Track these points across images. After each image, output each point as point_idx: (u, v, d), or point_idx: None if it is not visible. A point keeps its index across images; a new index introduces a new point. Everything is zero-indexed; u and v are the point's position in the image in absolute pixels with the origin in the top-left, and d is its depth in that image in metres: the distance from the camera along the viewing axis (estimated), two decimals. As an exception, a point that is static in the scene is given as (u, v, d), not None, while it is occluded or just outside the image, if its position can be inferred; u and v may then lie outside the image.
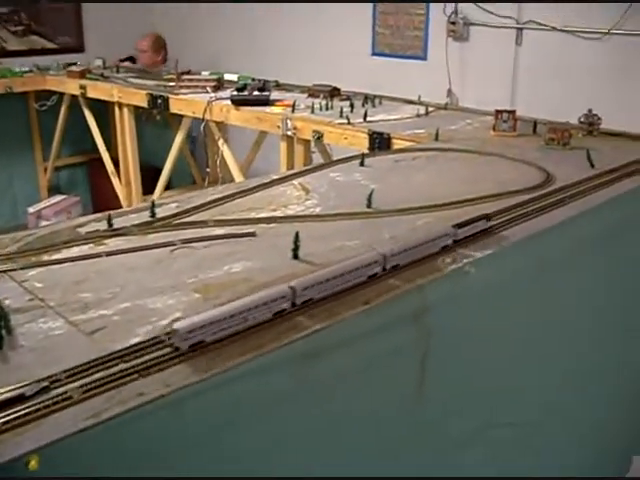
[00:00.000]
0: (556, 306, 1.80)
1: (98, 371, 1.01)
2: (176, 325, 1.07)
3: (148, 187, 4.43)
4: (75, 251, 1.46)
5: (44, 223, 4.78)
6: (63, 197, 5.14)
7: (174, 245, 1.48)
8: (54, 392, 0.95)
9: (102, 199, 5.29)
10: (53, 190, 5.44)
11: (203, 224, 1.60)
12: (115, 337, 1.10)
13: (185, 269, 1.36)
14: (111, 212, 1.64)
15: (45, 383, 0.96)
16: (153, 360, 1.04)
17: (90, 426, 0.90)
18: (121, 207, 4.45)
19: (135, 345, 1.07)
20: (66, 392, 0.95)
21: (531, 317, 1.70)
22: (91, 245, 1.49)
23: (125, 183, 4.44)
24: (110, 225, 1.58)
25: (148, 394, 0.95)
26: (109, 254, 1.44)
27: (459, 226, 1.49)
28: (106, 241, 1.51)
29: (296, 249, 1.39)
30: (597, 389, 2.15)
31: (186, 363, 1.04)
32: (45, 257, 1.42)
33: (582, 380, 2.05)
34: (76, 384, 0.97)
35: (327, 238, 1.51)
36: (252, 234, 1.53)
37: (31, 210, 4.89)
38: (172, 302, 1.22)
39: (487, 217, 1.59)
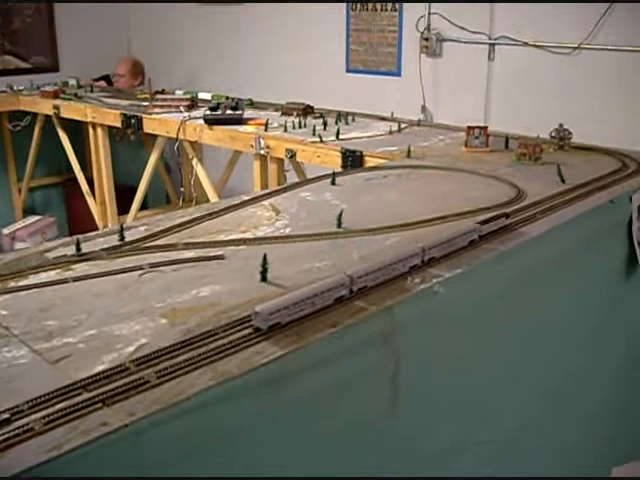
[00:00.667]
0: (529, 322, 1.80)
1: (61, 401, 0.99)
2: (257, 308, 1.17)
3: (124, 206, 4.41)
4: (42, 277, 1.44)
5: (19, 244, 4.75)
6: (38, 218, 5.11)
7: (142, 269, 1.47)
8: (15, 424, 0.93)
9: (78, 219, 5.27)
10: (28, 211, 5.40)
11: (172, 247, 1.59)
12: (80, 365, 1.09)
13: (153, 294, 1.35)
14: (79, 236, 1.63)
15: (6, 415, 0.95)
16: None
17: (52, 458, 0.88)
18: (97, 227, 4.43)
19: (100, 373, 1.05)
20: (28, 424, 0.93)
21: (504, 334, 1.70)
22: (58, 270, 1.47)
23: (100, 203, 4.41)
24: (78, 250, 1.56)
25: (111, 424, 0.94)
26: (76, 280, 1.42)
27: (482, 223, 1.64)
28: (74, 266, 1.50)
29: (264, 272, 1.38)
30: (575, 402, 2.15)
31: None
32: (12, 283, 1.40)
33: (560, 394, 2.05)
34: (38, 415, 0.96)
35: (296, 259, 1.51)
36: (221, 257, 1.52)
37: (5, 231, 4.85)
38: (138, 328, 1.21)
39: (506, 215, 1.72)
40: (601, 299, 2.18)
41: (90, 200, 4.52)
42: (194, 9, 6.05)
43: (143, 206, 4.47)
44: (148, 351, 1.12)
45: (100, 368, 1.07)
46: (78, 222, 5.24)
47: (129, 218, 4.25)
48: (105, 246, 1.60)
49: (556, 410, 2.05)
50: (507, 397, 1.78)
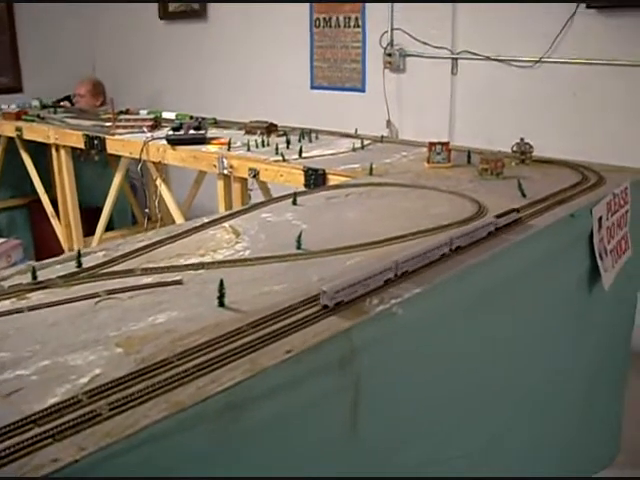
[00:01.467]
0: (493, 337, 1.80)
1: (11, 437, 0.97)
2: (324, 287, 1.34)
3: (89, 228, 4.38)
4: (-3, 306, 1.42)
5: (-17, 268, 4.68)
6: (3, 240, 5.02)
7: (99, 296, 1.45)
8: (-38, 463, 0.92)
9: (43, 241, 5.21)
10: (-8, 234, 5.33)
11: (130, 273, 1.57)
12: (32, 398, 1.07)
13: (109, 322, 1.33)
14: (35, 264, 1.60)
15: (-47, 454, 0.93)
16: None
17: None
18: (62, 249, 4.39)
19: (51, 407, 1.03)
20: (-25, 462, 0.91)
21: (468, 350, 1.70)
22: (14, 299, 1.45)
23: (65, 225, 4.38)
24: (34, 277, 1.54)
25: (62, 459, 0.92)
26: (31, 309, 1.40)
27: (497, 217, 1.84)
28: (30, 294, 1.47)
29: (221, 297, 1.37)
30: (544, 412, 2.16)
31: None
32: (-34, 314, 1.38)
33: (528, 405, 2.05)
34: (-13, 452, 0.94)
35: (255, 283, 1.50)
36: (179, 282, 1.51)
37: (-31, 255, 4.78)
38: (93, 358, 1.19)
39: (517, 210, 1.91)
40: (565, 310, 2.20)
41: (55, 222, 4.48)
42: (159, 28, 6.05)
43: (109, 227, 4.45)
44: (102, 382, 1.10)
45: (52, 401, 1.05)
46: (44, 244, 5.18)
47: (94, 240, 4.23)
48: (62, 273, 1.57)
49: (525, 421, 2.06)
50: (474, 411, 1.78)
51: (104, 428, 0.99)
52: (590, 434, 2.57)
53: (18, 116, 4.48)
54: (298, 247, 1.69)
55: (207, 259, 1.65)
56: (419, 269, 1.56)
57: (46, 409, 1.03)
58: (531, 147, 2.77)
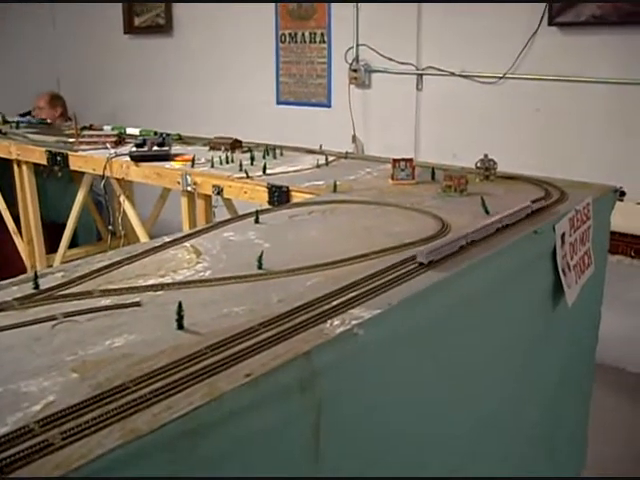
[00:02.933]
0: (456, 356, 1.80)
1: (-43, 469, 0.94)
2: (420, 249, 1.71)
3: (53, 245, 4.32)
4: (-50, 331, 1.38)
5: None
6: (-36, 257, 4.96)
7: (56, 319, 1.42)
8: None
9: (5, 258, 5.12)
10: (-47, 250, 5.24)
11: (88, 295, 1.54)
12: (-19, 428, 1.04)
13: (65, 346, 1.31)
14: (-10, 286, 1.57)
15: None
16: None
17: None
18: (25, 266, 4.32)
19: (1, 437, 1.00)
20: None
21: (430, 370, 1.69)
22: (-33, 323, 1.42)
23: (27, 242, 4.31)
24: (-11, 300, 1.51)
25: (11, 492, 0.90)
26: (-15, 333, 1.37)
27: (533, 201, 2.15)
28: (-17, 318, 1.44)
29: (180, 319, 1.35)
30: (510, 429, 2.16)
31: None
32: None
33: (494, 423, 2.05)
34: None
35: (215, 304, 1.48)
36: (137, 304, 1.48)
37: None
38: (47, 384, 1.16)
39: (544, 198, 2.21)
40: (529, 326, 2.20)
41: (17, 239, 4.42)
42: (124, 43, 6.02)
43: (73, 243, 4.40)
44: (55, 409, 1.07)
45: (3, 430, 1.03)
46: (6, 261, 5.09)
47: (57, 257, 4.17)
48: (18, 295, 1.54)
49: (490, 439, 2.06)
50: (439, 431, 1.77)
51: (56, 458, 0.97)
52: (556, 450, 2.58)
53: (-20, 131, 4.42)
54: (259, 267, 1.67)
55: (167, 280, 1.63)
56: (381, 287, 1.55)
57: (-5, 439, 1.00)
58: (495, 163, 2.78)
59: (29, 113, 5.64)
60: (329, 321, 1.38)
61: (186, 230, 3.02)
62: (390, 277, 1.62)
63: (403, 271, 1.66)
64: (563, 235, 2.24)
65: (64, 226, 4.13)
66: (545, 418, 2.45)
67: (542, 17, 3.95)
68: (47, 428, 1.03)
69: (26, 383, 1.17)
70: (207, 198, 3.03)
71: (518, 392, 2.18)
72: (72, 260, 4.08)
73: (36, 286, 1.59)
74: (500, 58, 4.12)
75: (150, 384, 1.14)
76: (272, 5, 5.03)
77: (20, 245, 4.42)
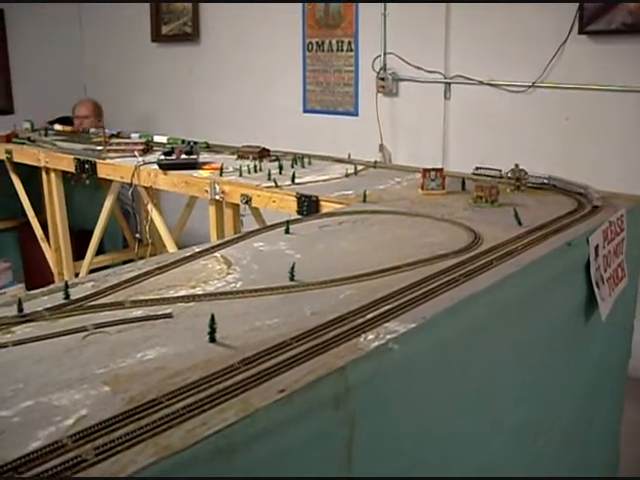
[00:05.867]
0: (489, 368, 1.77)
1: (-10, 485, 0.93)
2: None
3: (80, 252, 4.33)
4: (-19, 341, 1.38)
5: (-29, 291, 4.63)
6: (-9, 263, 5.00)
7: (86, 330, 1.41)
8: (-62, 515, 0.87)
9: (33, 265, 5.16)
10: (-19, 256, 5.29)
11: (119, 306, 1.53)
12: (13, 443, 1.02)
13: (96, 358, 1.29)
14: (21, 295, 1.56)
15: None
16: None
17: None
18: (52, 273, 4.34)
19: (33, 452, 0.99)
20: (-49, 515, 0.87)
21: (464, 383, 1.67)
22: (-2, 334, 1.41)
23: (55, 249, 4.33)
24: (20, 310, 1.50)
25: (44, 510, 0.88)
26: (16, 343, 1.36)
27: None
28: (15, 328, 1.43)
29: (212, 332, 1.33)
30: (540, 442, 2.13)
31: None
32: (-53, 349, 1.34)
33: (525, 436, 2.02)
34: (-37, 505, 0.89)
35: (247, 317, 1.46)
36: (169, 315, 1.47)
37: (-43, 278, 4.74)
38: (79, 397, 1.15)
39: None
40: (562, 340, 2.17)
41: (45, 246, 4.44)
42: (151, 50, 6.05)
43: (100, 251, 4.41)
44: (88, 424, 1.06)
45: (35, 445, 1.01)
46: (33, 267, 5.14)
47: (84, 264, 4.18)
48: (49, 305, 1.54)
49: (521, 450, 2.02)
50: (472, 442, 1.74)
51: (89, 475, 0.95)
52: (587, 463, 2.54)
53: (8, 138, 4.45)
54: (291, 279, 1.65)
55: (198, 291, 1.62)
56: (415, 300, 1.53)
57: (27, 455, 0.98)
58: (526, 173, 2.74)
59: (60, 120, 5.67)
60: (363, 335, 1.36)
61: (213, 239, 3.03)
62: (424, 290, 1.59)
63: (437, 284, 1.63)
64: (597, 247, 2.21)
65: (91, 233, 4.15)
66: (576, 430, 2.41)
67: (572, 25, 3.91)
68: (80, 443, 1.01)
69: (57, 396, 1.16)
70: (235, 207, 3.02)
71: (549, 405, 2.15)
72: (99, 268, 4.12)
73: (66, 296, 1.58)
74: (529, 67, 4.08)
75: (183, 399, 1.12)
76: (299, 14, 5.02)
77: (47, 252, 4.44)
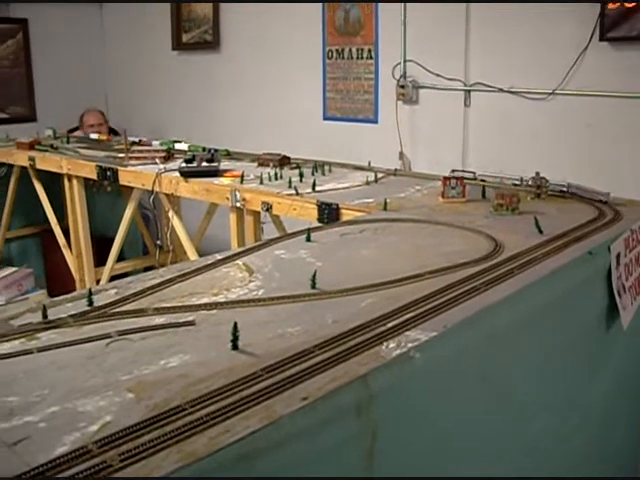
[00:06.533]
0: (510, 378, 1.77)
1: (18, 490, 0.94)
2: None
3: (101, 258, 4.37)
4: (6, 347, 1.39)
5: (-6, 297, 4.67)
6: (14, 269, 5.03)
7: (110, 337, 1.42)
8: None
9: (55, 271, 5.21)
10: (4, 263, 5.32)
11: (142, 313, 1.54)
12: (39, 448, 1.03)
13: (119, 365, 1.31)
14: (45, 302, 1.58)
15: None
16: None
17: None
18: (73, 279, 4.37)
19: (59, 457, 1.00)
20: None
21: (486, 393, 1.66)
22: (23, 340, 1.43)
23: (76, 255, 4.36)
24: (45, 316, 1.52)
25: (70, 516, 0.89)
26: (41, 350, 1.38)
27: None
28: (40, 334, 1.45)
29: (235, 340, 1.34)
30: (560, 455, 2.11)
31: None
32: (-26, 355, 1.35)
33: (544, 448, 2.01)
34: (-9, 509, 0.91)
35: (269, 325, 1.47)
36: (191, 323, 1.48)
37: (-20, 284, 4.78)
38: (104, 404, 1.16)
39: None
40: (583, 349, 2.16)
41: (66, 252, 4.47)
42: (172, 59, 6.08)
43: (120, 257, 4.44)
44: (112, 430, 1.07)
45: (60, 451, 1.02)
46: (56, 274, 5.18)
47: (105, 270, 4.21)
48: (73, 312, 1.55)
49: (542, 459, 2.01)
50: (492, 453, 1.74)
51: (115, 480, 0.96)
52: (607, 472, 2.52)
53: (31, 146, 4.49)
54: (313, 286, 1.66)
55: (220, 298, 1.63)
56: (436, 309, 1.53)
57: (53, 460, 1.00)
58: (547, 181, 2.74)
59: (77, 129, 5.73)
60: (385, 343, 1.36)
61: (234, 246, 3.04)
62: (445, 298, 1.60)
63: (457, 292, 1.64)
64: (618, 256, 2.20)
65: (111, 240, 4.17)
66: (596, 440, 2.40)
67: (593, 32, 3.90)
68: (105, 449, 1.03)
69: (82, 402, 1.17)
70: (256, 214, 3.03)
71: (570, 413, 2.14)
72: (120, 274, 4.14)
73: (90, 303, 1.60)
74: (550, 74, 4.06)
75: (206, 406, 1.13)
76: (319, 21, 5.03)
77: (69, 258, 4.47)
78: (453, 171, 2.92)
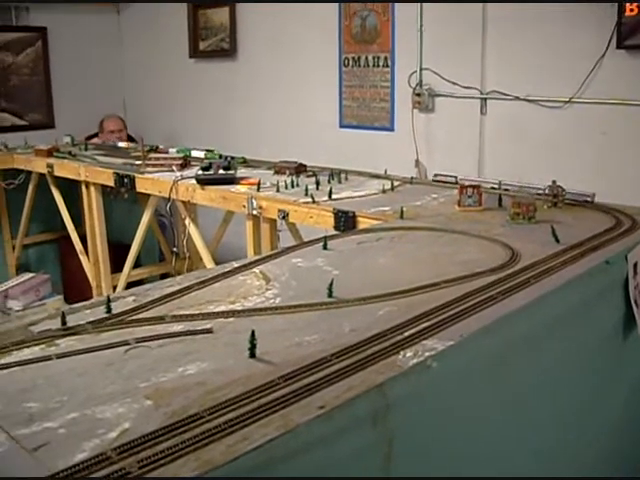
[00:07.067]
0: (526, 388, 1.76)
1: (38, 496, 0.95)
2: None
3: (117, 264, 4.39)
4: (26, 353, 1.41)
5: (11, 302, 4.69)
6: (31, 275, 5.06)
7: (128, 344, 1.43)
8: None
9: (72, 277, 5.24)
10: (21, 268, 5.37)
11: (160, 320, 1.56)
12: (59, 454, 1.05)
13: (138, 372, 1.32)
14: (65, 309, 1.60)
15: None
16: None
17: None
18: (90, 285, 4.40)
19: (79, 464, 1.01)
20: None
21: (503, 400, 1.66)
22: (43, 346, 1.44)
23: (93, 262, 4.39)
24: (64, 323, 1.53)
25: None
26: (60, 356, 1.39)
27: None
28: (59, 341, 1.46)
29: (253, 348, 1.35)
30: (575, 464, 2.11)
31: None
32: (-6, 361, 1.37)
33: (559, 457, 2.01)
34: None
35: (286, 333, 1.47)
36: (209, 330, 1.49)
37: (-2, 289, 4.81)
38: (122, 410, 1.17)
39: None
40: (599, 359, 2.15)
41: (83, 259, 4.50)
42: (189, 66, 6.12)
43: (137, 264, 4.46)
44: (131, 437, 1.08)
45: (80, 457, 1.03)
46: (73, 279, 5.21)
47: (122, 277, 4.23)
48: (91, 319, 1.57)
49: (561, 471, 2.01)
50: (507, 463, 1.74)
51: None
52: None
53: (50, 153, 4.52)
54: (329, 295, 1.66)
55: (237, 306, 1.63)
56: (453, 318, 1.54)
57: (73, 466, 1.01)
58: (563, 190, 2.73)
59: (95, 136, 5.76)
60: (402, 352, 1.37)
61: (250, 254, 3.06)
62: (461, 307, 1.60)
63: (474, 302, 1.64)
64: (635, 265, 2.19)
65: (128, 246, 4.20)
66: (611, 449, 2.38)
67: (610, 40, 3.89)
68: (124, 456, 1.04)
69: (101, 409, 1.18)
70: (272, 222, 3.04)
71: (587, 424, 2.13)
72: (136, 280, 4.16)
73: (108, 310, 1.61)
74: (566, 82, 4.05)
75: (224, 414, 1.14)
76: (336, 29, 5.05)
77: (86, 265, 4.50)
78: (436, 175, 2.96)
